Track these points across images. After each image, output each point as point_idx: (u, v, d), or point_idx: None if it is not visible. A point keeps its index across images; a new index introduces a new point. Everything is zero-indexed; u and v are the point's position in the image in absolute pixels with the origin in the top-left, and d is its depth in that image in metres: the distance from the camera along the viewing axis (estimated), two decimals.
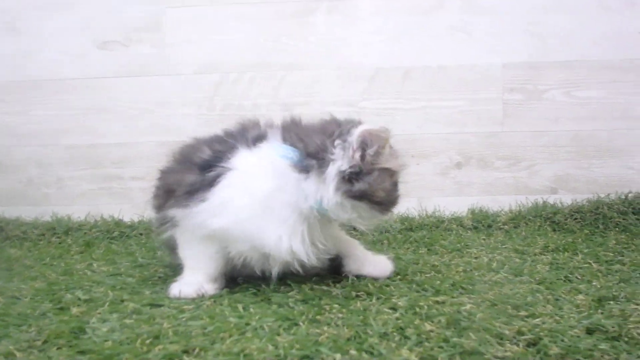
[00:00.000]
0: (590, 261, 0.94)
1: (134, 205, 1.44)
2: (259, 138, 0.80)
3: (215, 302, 0.74)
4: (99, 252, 1.17)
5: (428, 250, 1.11)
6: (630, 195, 1.33)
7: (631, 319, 0.62)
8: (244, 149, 0.78)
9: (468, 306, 0.69)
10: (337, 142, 0.74)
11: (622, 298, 0.71)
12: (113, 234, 1.33)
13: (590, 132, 1.41)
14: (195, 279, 0.80)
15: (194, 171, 0.77)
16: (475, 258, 1.01)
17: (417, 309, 0.68)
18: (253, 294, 0.79)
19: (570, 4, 1.38)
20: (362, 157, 0.73)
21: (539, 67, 1.40)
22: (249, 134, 0.81)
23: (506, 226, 1.31)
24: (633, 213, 1.28)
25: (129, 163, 1.46)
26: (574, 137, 1.41)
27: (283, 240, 0.74)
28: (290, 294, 0.77)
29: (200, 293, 0.78)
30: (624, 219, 1.27)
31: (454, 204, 1.41)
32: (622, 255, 0.99)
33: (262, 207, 0.74)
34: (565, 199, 1.39)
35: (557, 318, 0.63)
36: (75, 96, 1.45)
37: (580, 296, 0.72)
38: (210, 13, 1.43)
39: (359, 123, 0.77)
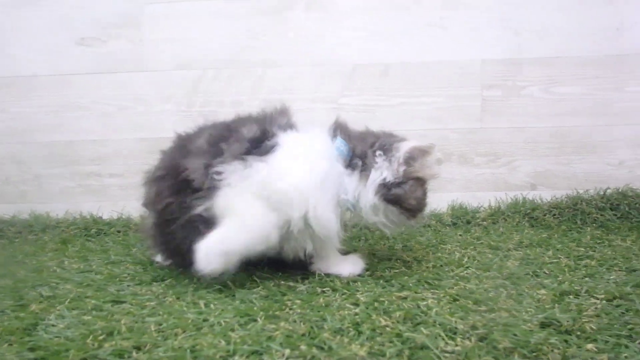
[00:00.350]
0: (561, 256, 0.94)
1: (112, 202, 1.43)
2: (291, 125, 0.83)
3: (178, 299, 0.74)
4: (73, 249, 1.16)
5: (404, 246, 1.10)
6: (608, 191, 1.33)
7: (585, 313, 0.62)
8: (283, 132, 0.80)
9: (429, 301, 0.69)
10: (378, 152, 0.81)
11: (583, 292, 0.71)
12: (90, 231, 1.32)
13: (569, 128, 1.40)
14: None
15: (243, 144, 0.77)
16: (449, 254, 1.00)
17: (377, 305, 0.68)
18: (218, 290, 0.78)
19: (550, 0, 1.38)
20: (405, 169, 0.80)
21: (517, 63, 1.40)
22: (279, 121, 0.83)
23: (485, 222, 1.31)
24: (610, 209, 1.29)
25: (107, 160, 1.45)
26: (554, 133, 1.41)
27: (332, 215, 0.78)
28: (255, 290, 0.77)
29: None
30: (601, 215, 1.27)
31: (434, 200, 1.39)
32: (594, 251, 0.98)
33: (319, 182, 0.77)
34: (544, 194, 1.39)
35: (514, 312, 0.63)
36: (53, 93, 1.44)
37: (543, 291, 0.72)
38: (188, 9, 1.42)
39: (402, 138, 0.84)
